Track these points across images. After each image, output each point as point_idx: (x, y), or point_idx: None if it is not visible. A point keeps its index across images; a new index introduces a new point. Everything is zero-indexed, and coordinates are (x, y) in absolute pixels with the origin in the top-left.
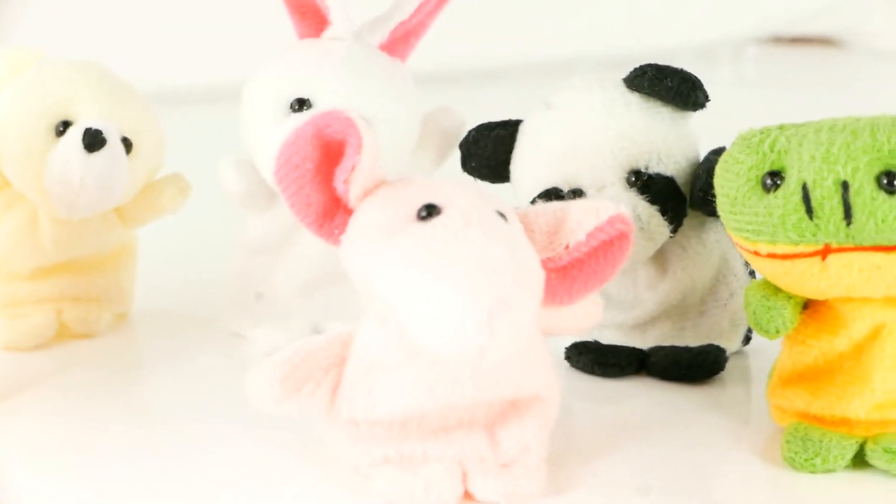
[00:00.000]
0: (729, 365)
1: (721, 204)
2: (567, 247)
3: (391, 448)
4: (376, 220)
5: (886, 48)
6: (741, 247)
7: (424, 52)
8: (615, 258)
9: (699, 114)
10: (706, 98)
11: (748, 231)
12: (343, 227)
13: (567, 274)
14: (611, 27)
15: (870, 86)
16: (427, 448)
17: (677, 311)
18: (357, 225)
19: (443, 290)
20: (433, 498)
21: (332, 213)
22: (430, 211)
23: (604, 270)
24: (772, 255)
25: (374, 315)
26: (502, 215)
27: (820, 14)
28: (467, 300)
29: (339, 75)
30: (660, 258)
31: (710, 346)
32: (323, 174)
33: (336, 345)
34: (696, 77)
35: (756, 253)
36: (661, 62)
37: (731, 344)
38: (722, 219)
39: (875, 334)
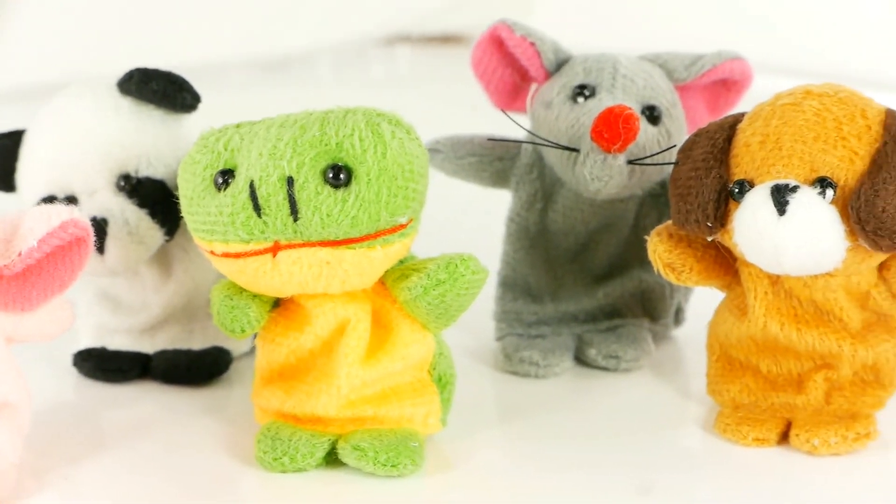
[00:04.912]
0: (241, 366)
1: (182, 204)
2: (20, 254)
3: None
4: None
5: None
6: (201, 247)
7: None
8: (73, 263)
9: None
10: (196, 99)
11: (203, 231)
12: None
13: (24, 281)
14: (251, 30)
15: None
16: None
17: (185, 313)
18: None
19: None
20: None
21: None
22: None
23: (62, 276)
24: (226, 255)
25: None
26: None
27: (448, 12)
28: None
29: None
30: (164, 261)
31: (213, 348)
32: None
33: None
34: (182, 79)
35: (213, 252)
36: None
37: (239, 344)
38: (185, 219)
39: (341, 330)
